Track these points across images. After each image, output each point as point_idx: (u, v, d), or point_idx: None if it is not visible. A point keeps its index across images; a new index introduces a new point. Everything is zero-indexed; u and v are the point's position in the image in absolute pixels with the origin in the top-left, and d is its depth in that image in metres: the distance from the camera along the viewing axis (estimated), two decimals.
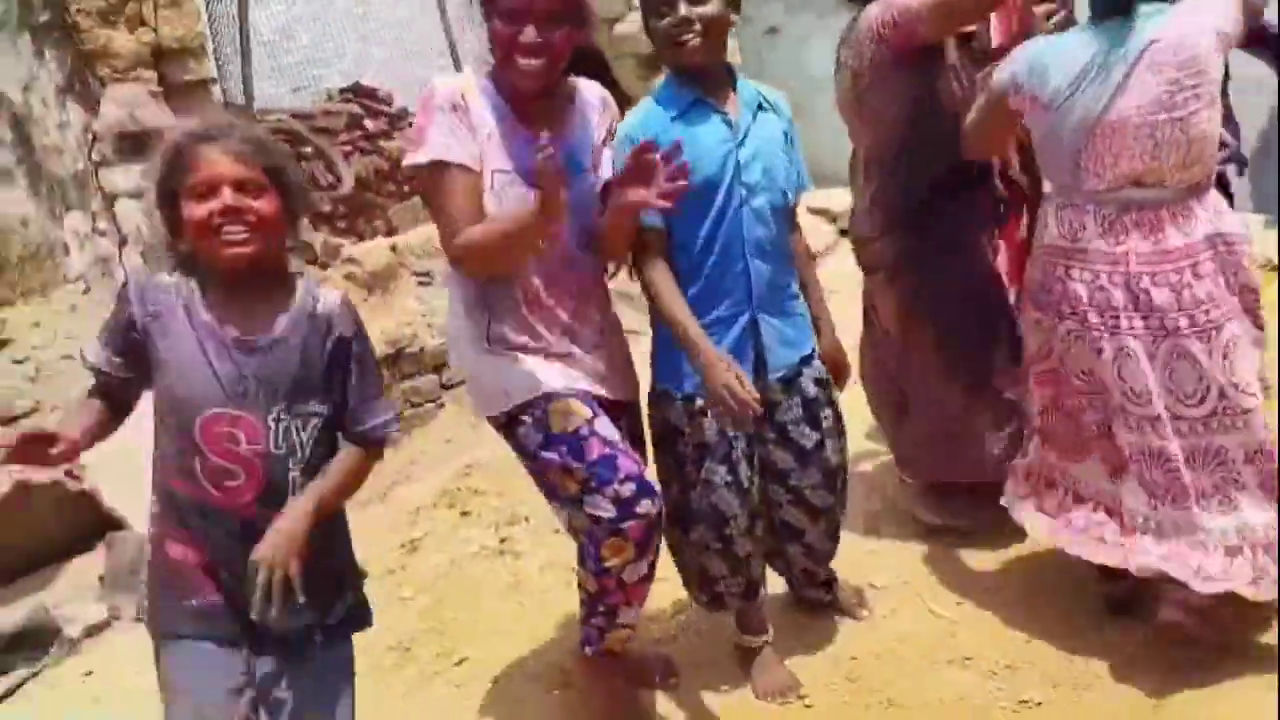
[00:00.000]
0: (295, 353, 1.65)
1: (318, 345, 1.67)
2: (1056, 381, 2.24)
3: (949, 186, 2.50)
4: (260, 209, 1.59)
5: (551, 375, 1.97)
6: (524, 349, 1.98)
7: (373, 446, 1.74)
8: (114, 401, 1.68)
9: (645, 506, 1.92)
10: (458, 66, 4.31)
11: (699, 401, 2.07)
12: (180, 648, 1.63)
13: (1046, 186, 2.28)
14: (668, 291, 2.00)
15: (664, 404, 2.16)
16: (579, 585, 2.08)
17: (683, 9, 1.95)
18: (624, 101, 2.19)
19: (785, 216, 2.15)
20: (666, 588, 2.40)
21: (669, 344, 2.05)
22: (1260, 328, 2.08)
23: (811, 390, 2.21)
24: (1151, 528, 2.10)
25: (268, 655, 1.66)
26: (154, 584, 1.68)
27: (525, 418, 1.98)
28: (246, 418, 1.61)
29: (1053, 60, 2.05)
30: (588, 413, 1.96)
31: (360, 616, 1.81)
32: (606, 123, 2.08)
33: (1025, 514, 2.37)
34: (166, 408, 1.63)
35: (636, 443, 2.16)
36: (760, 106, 2.11)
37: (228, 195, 1.56)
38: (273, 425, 1.63)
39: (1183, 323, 2.01)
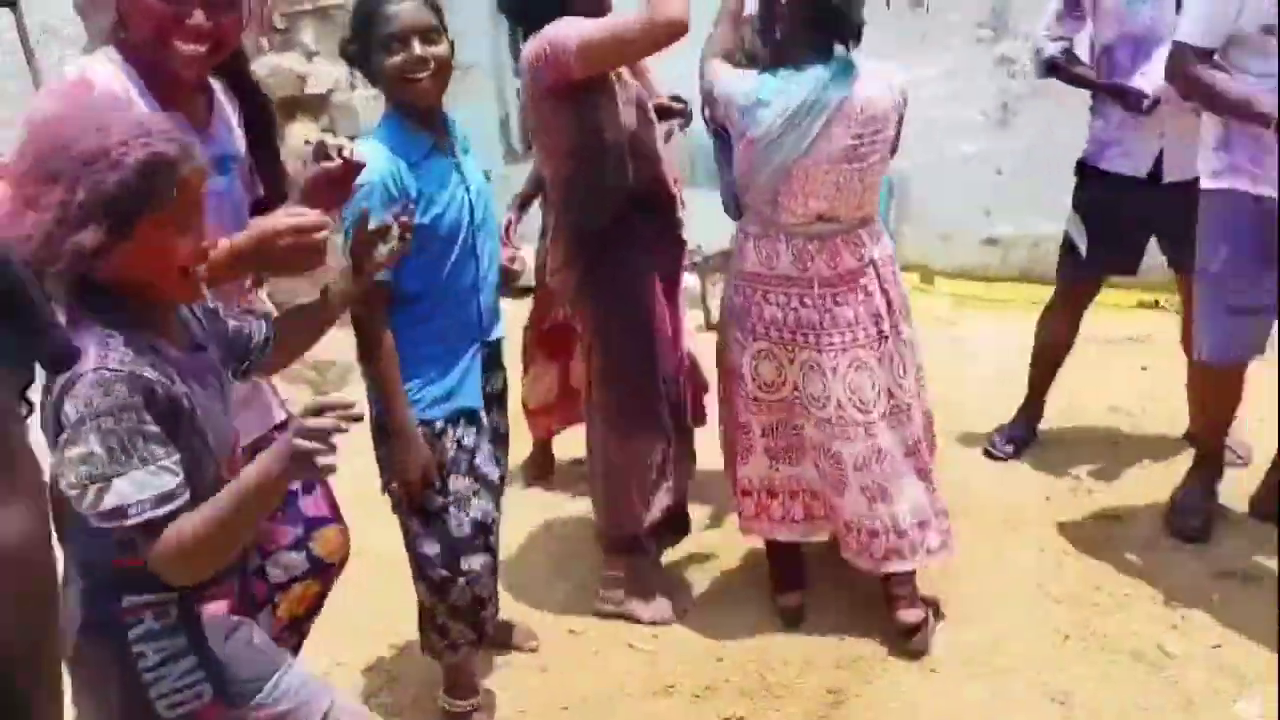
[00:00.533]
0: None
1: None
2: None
3: (621, 221, 2.46)
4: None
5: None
6: None
7: None
8: None
9: None
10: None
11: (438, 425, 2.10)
12: None
13: None
14: (392, 369, 2.02)
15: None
16: None
17: (417, 48, 1.94)
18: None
19: (497, 248, 2.26)
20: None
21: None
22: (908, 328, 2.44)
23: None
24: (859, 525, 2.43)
25: None
26: None
27: None
28: None
29: (765, 101, 2.22)
30: None
31: None
32: (239, 119, 1.89)
33: (760, 530, 2.60)
34: None
35: None
36: (465, 145, 2.14)
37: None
38: None
39: (860, 335, 2.32)
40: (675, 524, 2.77)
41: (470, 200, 2.09)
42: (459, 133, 2.13)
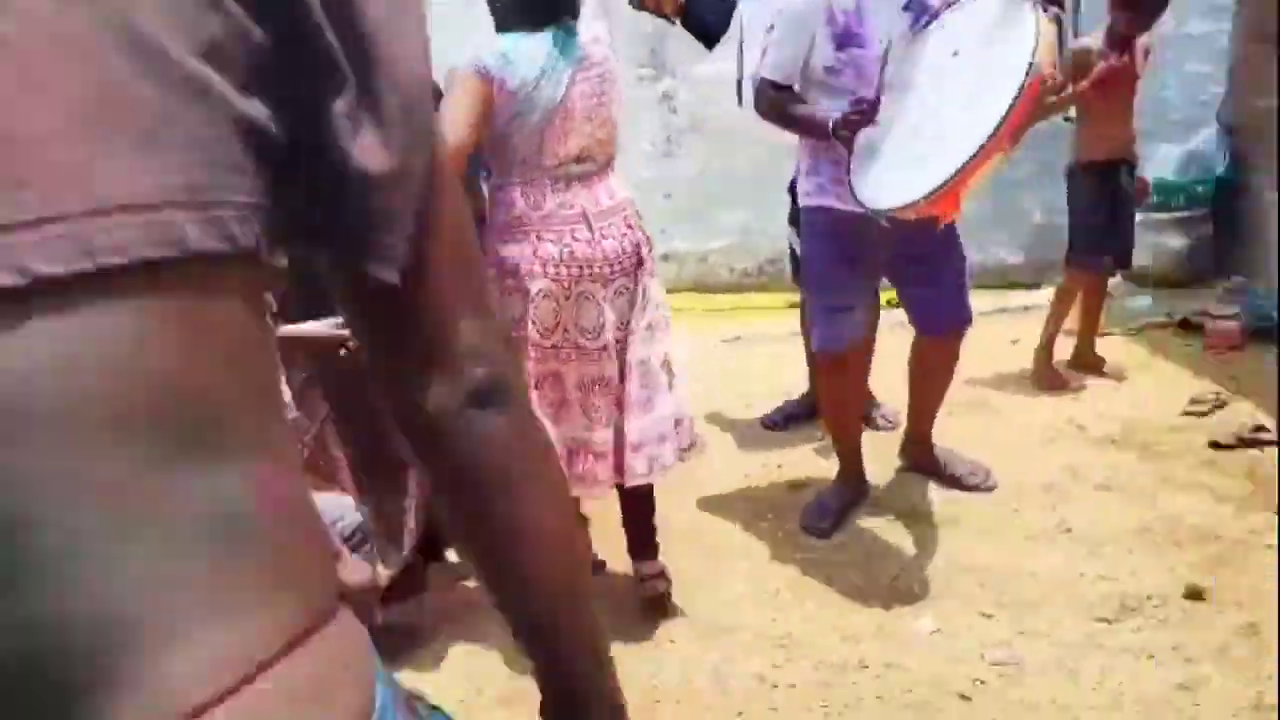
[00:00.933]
0: None
1: None
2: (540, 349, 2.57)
3: None
4: None
5: None
6: None
7: None
8: None
9: None
10: None
11: None
12: None
13: None
14: None
15: None
16: None
17: None
18: None
19: None
20: None
21: None
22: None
23: None
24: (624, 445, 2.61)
25: None
26: None
27: None
28: None
29: (517, 59, 2.44)
30: None
31: None
32: None
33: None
34: None
35: None
36: None
37: None
38: None
39: (626, 264, 2.58)
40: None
41: None
42: None
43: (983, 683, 2.42)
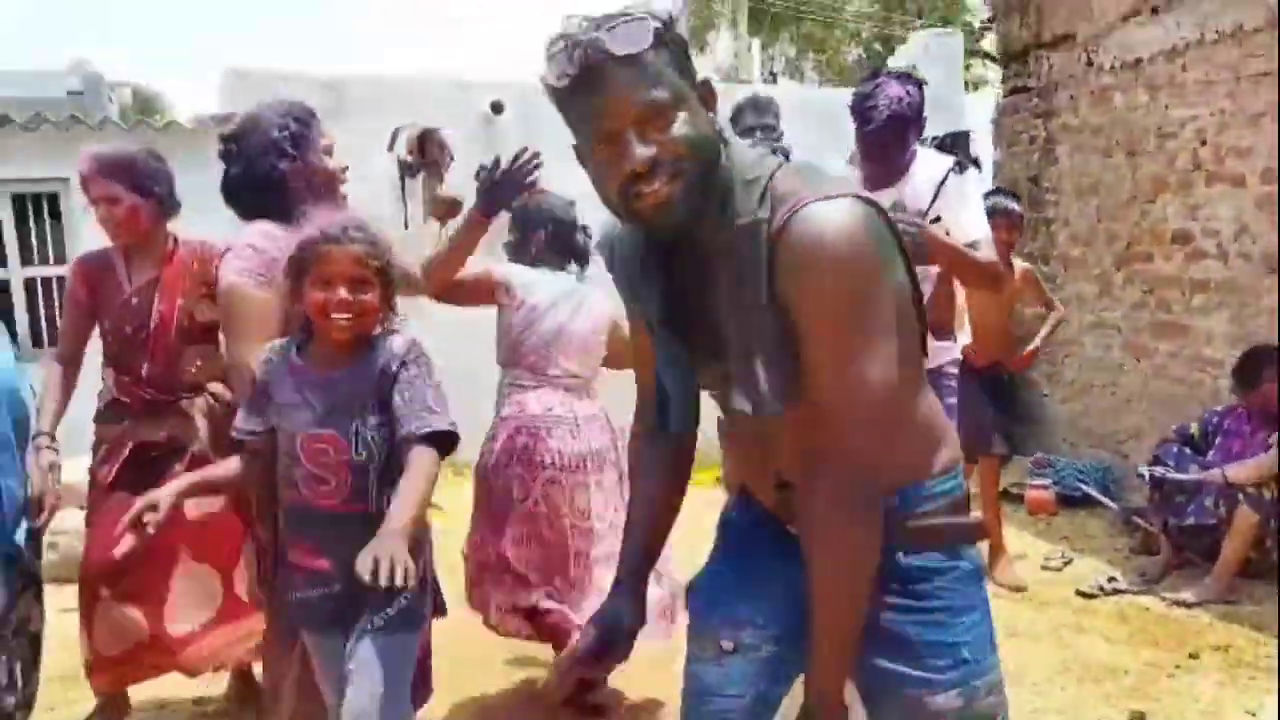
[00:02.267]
0: (365, 379, 2.00)
1: (382, 370, 2.00)
2: (534, 520, 2.80)
3: None
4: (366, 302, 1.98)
5: None
6: None
7: (419, 444, 1.93)
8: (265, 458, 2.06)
9: None
10: None
11: None
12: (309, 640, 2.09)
13: None
14: None
15: None
16: None
17: None
18: None
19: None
20: None
21: None
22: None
23: None
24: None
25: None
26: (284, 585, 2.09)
27: None
28: (331, 435, 1.98)
29: (538, 284, 2.89)
30: None
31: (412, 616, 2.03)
32: None
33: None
34: (282, 441, 2.02)
35: None
36: None
37: (342, 290, 1.95)
38: (353, 438, 1.98)
39: (611, 457, 2.88)
40: None
41: None
42: None
43: None
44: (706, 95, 1.33)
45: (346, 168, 2.54)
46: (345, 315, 1.98)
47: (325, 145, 2.50)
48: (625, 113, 1.25)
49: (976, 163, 6.21)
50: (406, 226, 6.02)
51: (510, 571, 2.78)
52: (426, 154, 6.39)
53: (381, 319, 2.04)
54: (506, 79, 6.90)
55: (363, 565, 1.65)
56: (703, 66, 19.26)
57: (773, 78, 18.32)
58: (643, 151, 1.25)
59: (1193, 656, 3.39)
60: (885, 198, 2.53)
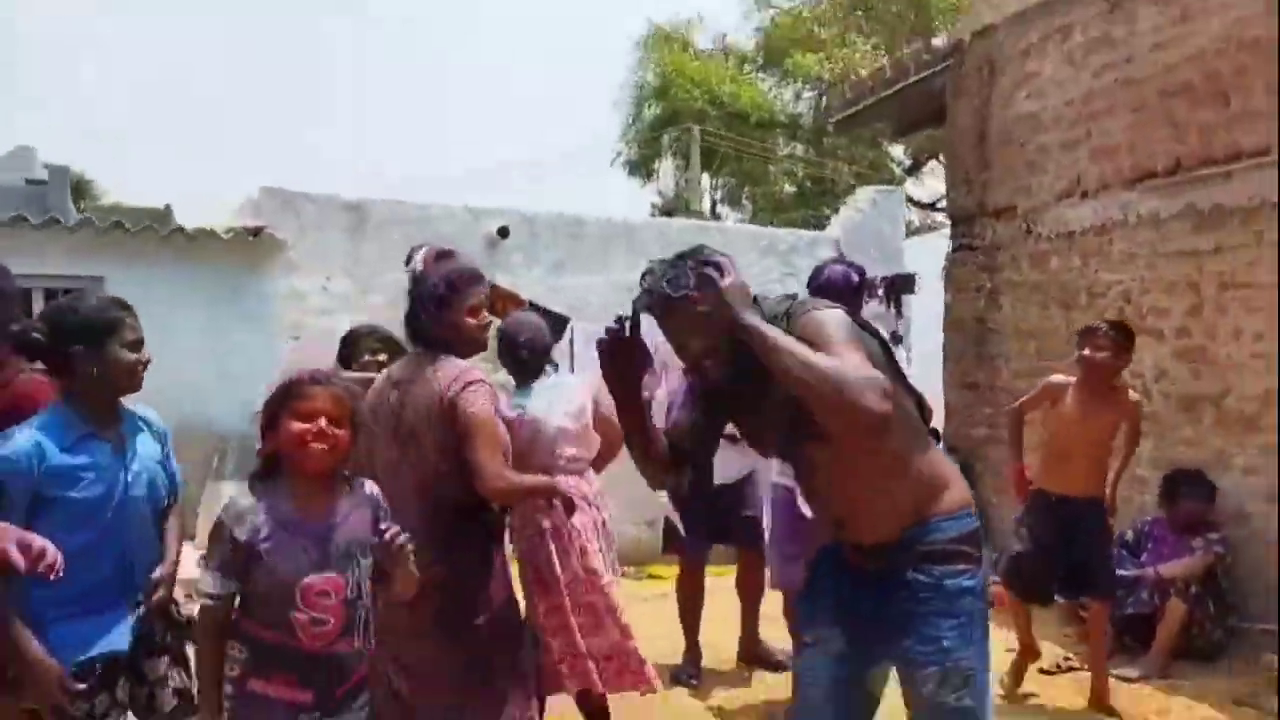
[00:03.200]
0: (354, 525, 2.25)
1: (369, 516, 2.29)
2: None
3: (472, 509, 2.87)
4: (341, 436, 2.20)
5: None
6: None
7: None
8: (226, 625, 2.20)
9: None
10: None
11: None
12: None
13: None
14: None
15: None
16: None
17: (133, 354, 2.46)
18: None
19: (162, 516, 2.58)
20: None
21: None
22: None
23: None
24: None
25: None
26: (237, 714, 2.18)
27: None
28: (333, 578, 2.19)
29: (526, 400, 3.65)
30: None
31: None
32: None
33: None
34: (269, 589, 2.16)
35: None
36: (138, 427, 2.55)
37: (322, 422, 2.16)
38: (349, 580, 2.21)
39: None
40: None
41: (126, 478, 2.44)
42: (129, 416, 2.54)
43: None
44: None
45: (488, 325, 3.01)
46: (323, 445, 2.15)
47: (471, 306, 2.90)
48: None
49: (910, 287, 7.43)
50: None
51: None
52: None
53: (348, 458, 2.24)
54: (512, 204, 7.82)
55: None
56: (648, 193, 20.65)
57: (714, 208, 19.71)
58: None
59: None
60: None
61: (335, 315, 6.57)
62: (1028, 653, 4.52)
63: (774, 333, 2.08)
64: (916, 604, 2.19)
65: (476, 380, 2.81)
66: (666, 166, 19.73)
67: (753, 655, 4.81)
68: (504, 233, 7.51)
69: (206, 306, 6.57)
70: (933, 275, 7.94)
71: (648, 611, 5.55)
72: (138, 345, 2.48)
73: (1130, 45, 5.87)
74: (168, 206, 8.26)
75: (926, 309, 8.08)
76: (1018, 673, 4.51)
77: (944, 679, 2.15)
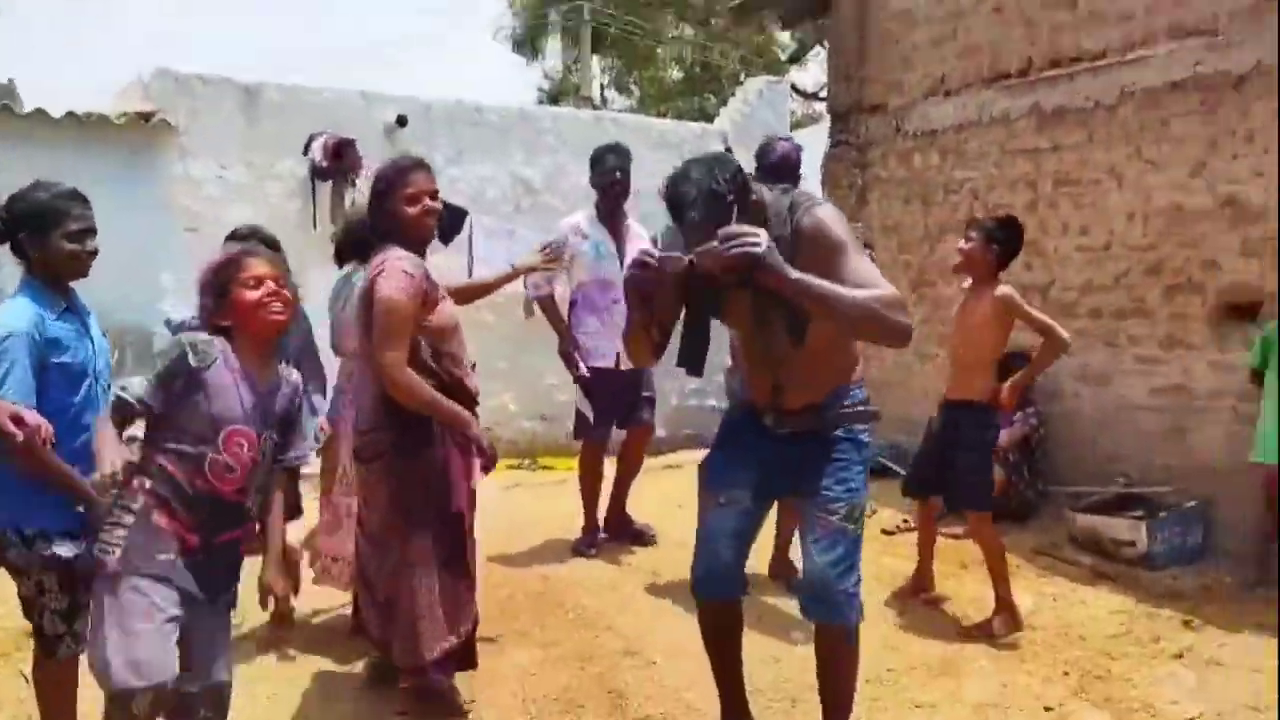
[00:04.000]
0: (280, 399, 2.49)
1: (290, 397, 2.53)
2: None
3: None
4: (287, 294, 2.44)
5: None
6: None
7: (290, 469, 2.79)
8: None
9: None
10: None
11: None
12: (144, 580, 2.30)
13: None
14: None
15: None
16: None
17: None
18: None
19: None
20: None
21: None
22: None
23: None
24: None
25: (193, 607, 2.37)
26: (134, 538, 2.31)
27: None
28: (251, 433, 2.39)
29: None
30: None
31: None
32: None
33: None
34: (194, 424, 2.33)
35: None
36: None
37: (271, 284, 2.38)
38: (262, 441, 2.42)
39: None
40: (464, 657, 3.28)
41: (93, 350, 2.67)
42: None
43: None
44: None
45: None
46: (279, 303, 2.36)
47: (409, 194, 3.01)
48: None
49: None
50: (315, 227, 6.73)
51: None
52: (343, 160, 7.17)
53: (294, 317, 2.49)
54: (410, 93, 7.62)
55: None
56: (534, 73, 20.31)
57: (602, 93, 19.62)
58: None
59: (963, 567, 4.88)
60: None
61: (232, 205, 6.54)
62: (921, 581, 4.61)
63: (818, 285, 2.38)
64: (834, 452, 2.73)
65: (391, 265, 2.92)
66: (553, 45, 19.48)
67: (616, 526, 5.19)
68: (402, 121, 7.39)
69: (97, 198, 6.21)
70: (813, 172, 8.30)
71: (545, 494, 6.04)
72: (82, 235, 2.60)
73: None
74: (11, 81, 7.42)
75: None
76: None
77: (849, 512, 2.71)
